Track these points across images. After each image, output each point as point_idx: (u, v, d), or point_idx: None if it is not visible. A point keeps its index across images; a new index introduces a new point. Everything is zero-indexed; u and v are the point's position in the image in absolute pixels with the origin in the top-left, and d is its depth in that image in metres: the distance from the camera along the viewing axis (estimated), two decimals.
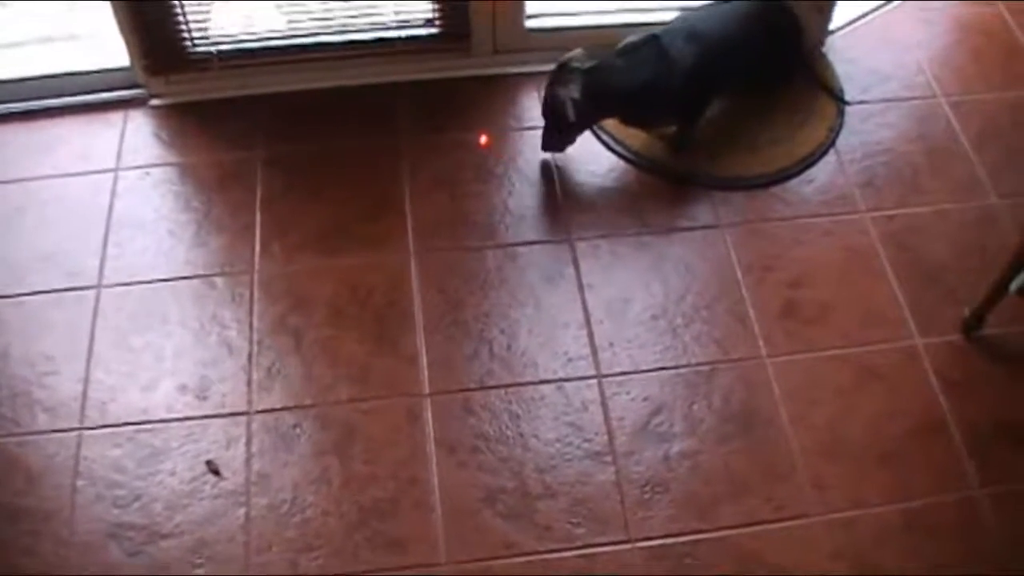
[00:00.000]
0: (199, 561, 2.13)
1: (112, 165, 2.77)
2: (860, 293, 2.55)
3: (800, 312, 2.50)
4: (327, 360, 2.41)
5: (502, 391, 2.37)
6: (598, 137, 2.83)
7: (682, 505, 2.21)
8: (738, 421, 2.33)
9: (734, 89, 2.91)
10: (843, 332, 2.48)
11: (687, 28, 2.75)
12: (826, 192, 2.74)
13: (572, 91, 2.61)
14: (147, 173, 2.76)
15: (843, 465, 2.27)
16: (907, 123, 2.91)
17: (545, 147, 2.74)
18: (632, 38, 2.71)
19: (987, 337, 2.47)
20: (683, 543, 2.16)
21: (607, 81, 2.65)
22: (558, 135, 2.71)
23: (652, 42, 2.69)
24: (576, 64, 2.64)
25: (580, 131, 2.71)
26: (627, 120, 2.79)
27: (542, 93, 2.70)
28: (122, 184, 2.74)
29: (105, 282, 2.54)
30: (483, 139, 2.82)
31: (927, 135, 2.88)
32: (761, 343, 2.45)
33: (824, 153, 2.81)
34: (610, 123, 2.81)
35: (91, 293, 2.52)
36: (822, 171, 2.78)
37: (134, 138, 2.84)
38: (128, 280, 2.54)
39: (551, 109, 2.66)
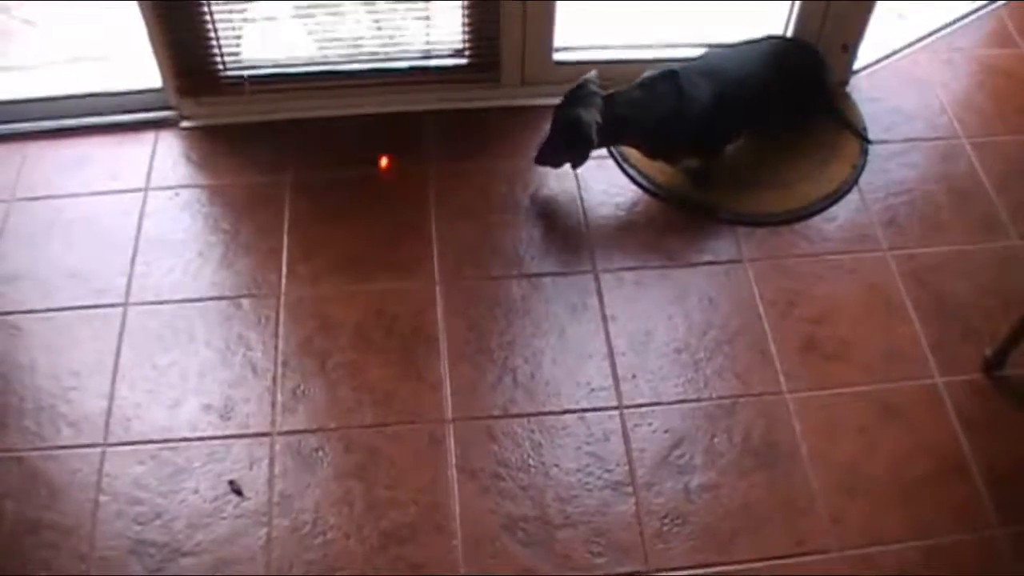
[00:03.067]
0: None
1: (142, 185, 2.80)
2: (881, 331, 2.56)
3: (821, 348, 2.51)
4: (351, 384, 2.43)
5: (525, 419, 2.38)
6: (624, 171, 2.85)
7: (701, 538, 2.21)
8: (759, 455, 2.33)
9: (756, 127, 2.93)
10: (864, 369, 2.48)
11: (707, 66, 2.78)
12: (849, 230, 2.75)
13: (595, 115, 2.63)
14: (176, 194, 2.79)
15: (863, 502, 2.27)
16: (930, 163, 2.93)
17: (540, 161, 2.76)
18: (651, 72, 2.74)
19: (1009, 377, 2.47)
20: (702, 575, 2.19)
21: (623, 111, 2.68)
22: (564, 154, 2.73)
23: (670, 77, 2.72)
24: (594, 87, 2.67)
25: (588, 155, 2.73)
26: (643, 152, 2.82)
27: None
28: (151, 204, 2.76)
29: (132, 300, 2.56)
30: (383, 161, 2.84)
31: (949, 175, 2.90)
32: (782, 378, 2.46)
33: (847, 191, 2.83)
34: (636, 157, 2.84)
35: (118, 311, 2.54)
36: (845, 209, 2.80)
37: (164, 159, 2.87)
38: (155, 299, 2.56)
39: (567, 128, 2.66)
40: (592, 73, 2.69)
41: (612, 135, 2.71)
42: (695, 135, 2.77)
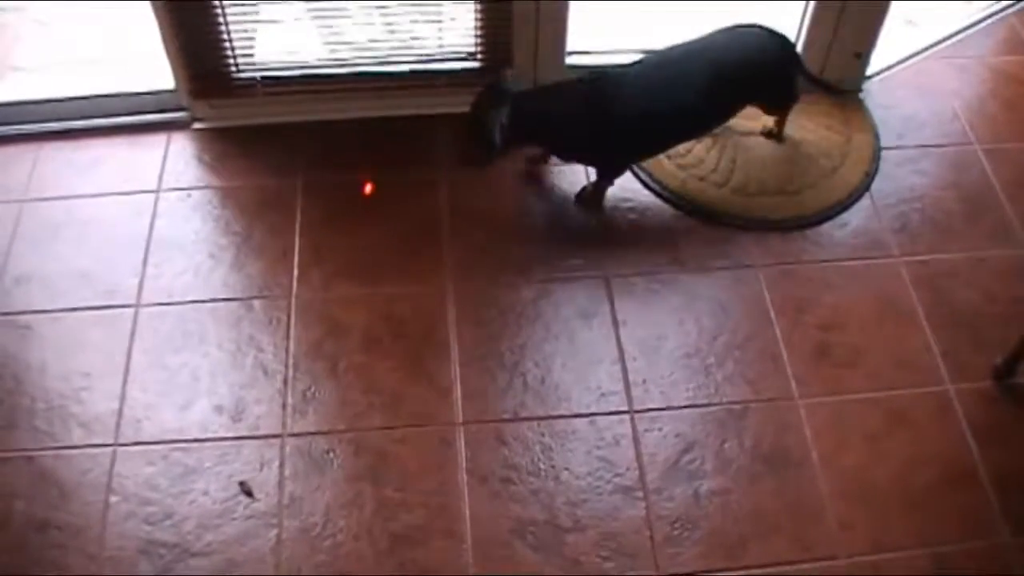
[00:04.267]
0: None
1: (154, 186, 2.81)
2: (892, 337, 2.55)
3: (832, 355, 2.51)
4: (361, 387, 2.43)
5: (535, 423, 2.38)
6: (636, 176, 2.85)
7: (711, 543, 2.21)
8: (769, 461, 2.33)
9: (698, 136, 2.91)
10: (875, 376, 2.48)
11: (646, 77, 2.69)
12: (860, 236, 2.75)
13: (502, 115, 2.58)
14: (188, 195, 2.80)
15: (872, 509, 2.27)
16: (941, 169, 2.93)
17: (468, 162, 2.77)
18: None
19: (1019, 385, 2.47)
20: None
21: (529, 110, 2.63)
22: (484, 151, 2.66)
23: (589, 81, 2.65)
24: (506, 86, 2.65)
25: (503, 153, 2.66)
26: (551, 151, 2.81)
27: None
28: (163, 205, 2.77)
29: (143, 301, 2.57)
30: (367, 187, 2.79)
31: (961, 182, 2.89)
32: (793, 384, 2.45)
33: (859, 197, 2.83)
34: (651, 163, 2.85)
35: (129, 312, 2.55)
36: (856, 215, 2.79)
37: (176, 160, 2.88)
38: (166, 300, 2.57)
39: (475, 129, 2.62)
40: (509, 71, 2.69)
41: (520, 135, 2.64)
42: (601, 147, 2.72)
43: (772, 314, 2.58)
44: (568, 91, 2.67)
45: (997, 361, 2.47)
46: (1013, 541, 2.23)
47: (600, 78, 2.65)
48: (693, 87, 2.65)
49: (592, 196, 2.79)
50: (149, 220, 2.73)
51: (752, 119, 2.92)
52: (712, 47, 2.73)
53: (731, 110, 2.80)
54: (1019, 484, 2.31)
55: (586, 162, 2.80)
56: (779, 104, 2.90)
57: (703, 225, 2.78)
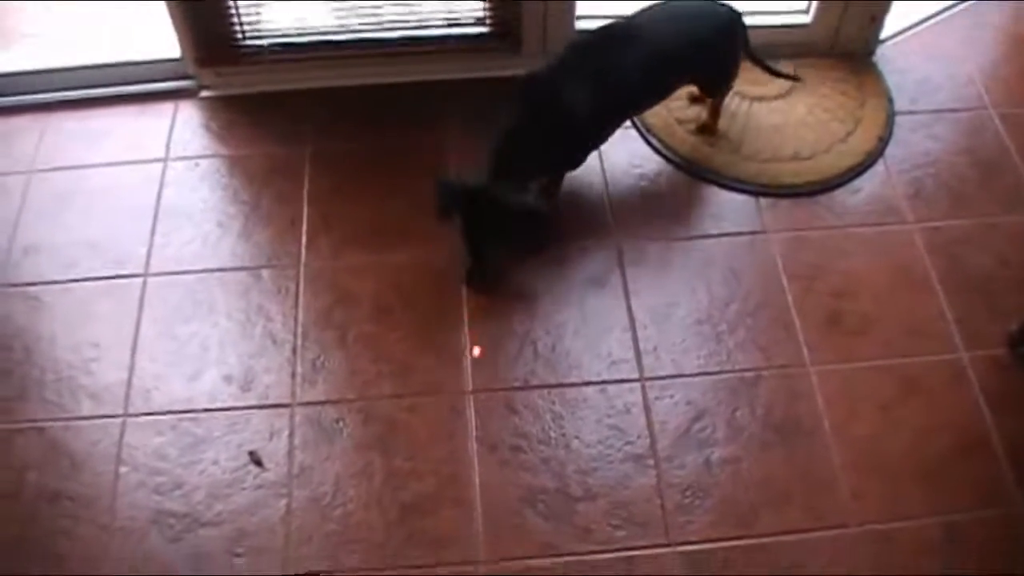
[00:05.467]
0: (239, 551, 2.14)
1: (161, 155, 2.80)
2: (905, 304, 2.53)
3: (845, 322, 2.49)
4: (371, 355, 2.42)
5: (545, 391, 2.37)
6: (647, 141, 2.82)
7: (722, 511, 2.20)
8: (780, 429, 2.32)
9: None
10: (888, 343, 2.46)
11: (579, 62, 2.53)
12: (873, 202, 2.72)
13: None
14: (196, 164, 2.78)
15: (884, 477, 2.26)
16: (956, 134, 2.89)
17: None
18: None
19: None
20: (723, 549, 2.15)
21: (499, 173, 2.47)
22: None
23: (535, 96, 2.51)
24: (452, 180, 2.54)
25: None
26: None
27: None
28: (171, 174, 2.76)
29: (152, 271, 2.56)
30: (476, 351, 2.45)
31: (976, 147, 2.85)
32: (805, 352, 2.43)
33: (872, 163, 2.79)
34: (659, 127, 2.82)
35: (138, 281, 2.54)
36: (869, 181, 2.76)
37: (184, 129, 2.86)
38: (175, 270, 2.56)
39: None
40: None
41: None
42: (564, 160, 2.66)
43: (784, 281, 2.56)
44: (520, 132, 2.49)
45: (1011, 328, 2.45)
46: None
47: (535, 91, 2.51)
48: (633, 69, 2.52)
49: (549, 189, 2.67)
50: (157, 189, 2.72)
51: (762, 84, 2.89)
52: (654, 20, 2.61)
53: (669, 88, 2.72)
54: None
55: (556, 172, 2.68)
56: (712, 87, 2.81)
57: (715, 191, 2.75)
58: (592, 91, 2.48)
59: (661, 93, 2.71)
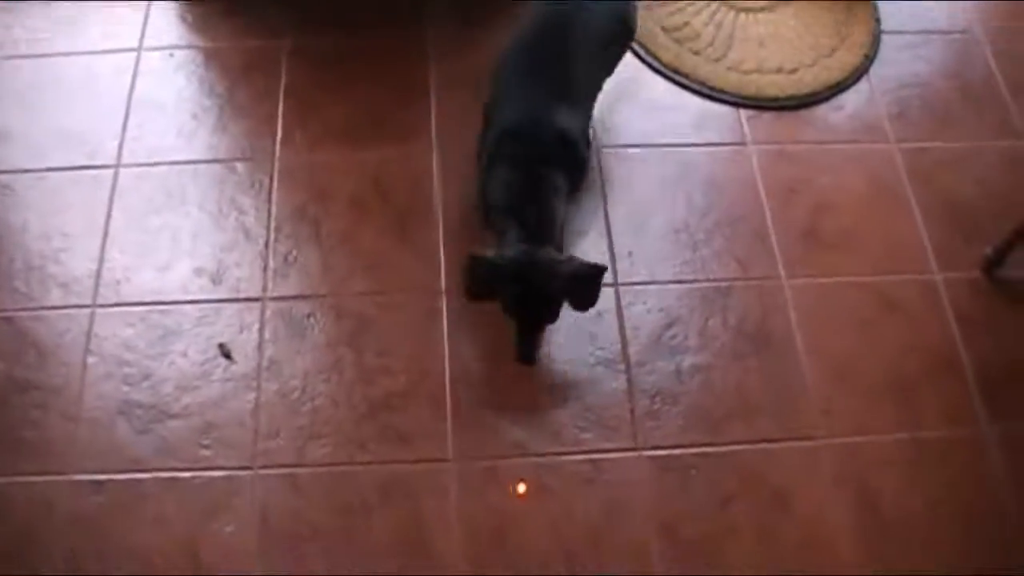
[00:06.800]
0: (206, 442, 2.14)
1: (135, 45, 2.74)
2: (883, 223, 2.53)
3: (822, 237, 2.48)
4: (345, 251, 2.40)
5: None
6: (631, 49, 2.77)
7: (691, 418, 2.21)
8: (752, 340, 2.32)
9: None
10: (864, 261, 2.46)
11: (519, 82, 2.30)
12: (856, 119, 2.70)
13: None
14: (171, 55, 2.73)
15: (854, 392, 2.27)
16: (944, 57, 2.86)
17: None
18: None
19: (1008, 278, 2.45)
20: (690, 455, 2.17)
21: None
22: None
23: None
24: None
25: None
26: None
27: None
28: (144, 64, 2.71)
29: (124, 162, 2.52)
30: (521, 488, 2.17)
31: (963, 72, 2.83)
32: (781, 265, 2.43)
33: (857, 80, 2.77)
34: (642, 33, 2.75)
35: (109, 172, 2.50)
36: (853, 98, 2.74)
37: (159, 19, 2.80)
38: (147, 161, 2.52)
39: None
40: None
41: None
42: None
43: (763, 194, 2.54)
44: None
45: (987, 252, 2.45)
46: (990, 429, 2.24)
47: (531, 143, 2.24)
48: (584, 59, 2.32)
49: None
50: (130, 79, 2.67)
51: None
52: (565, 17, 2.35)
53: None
54: (1002, 375, 2.31)
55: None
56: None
57: (697, 101, 2.72)
58: (566, 100, 2.27)
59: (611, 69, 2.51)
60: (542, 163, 2.21)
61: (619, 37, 2.45)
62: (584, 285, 2.18)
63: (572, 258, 2.18)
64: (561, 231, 2.26)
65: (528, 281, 2.12)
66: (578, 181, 2.34)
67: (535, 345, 2.21)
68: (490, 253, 2.16)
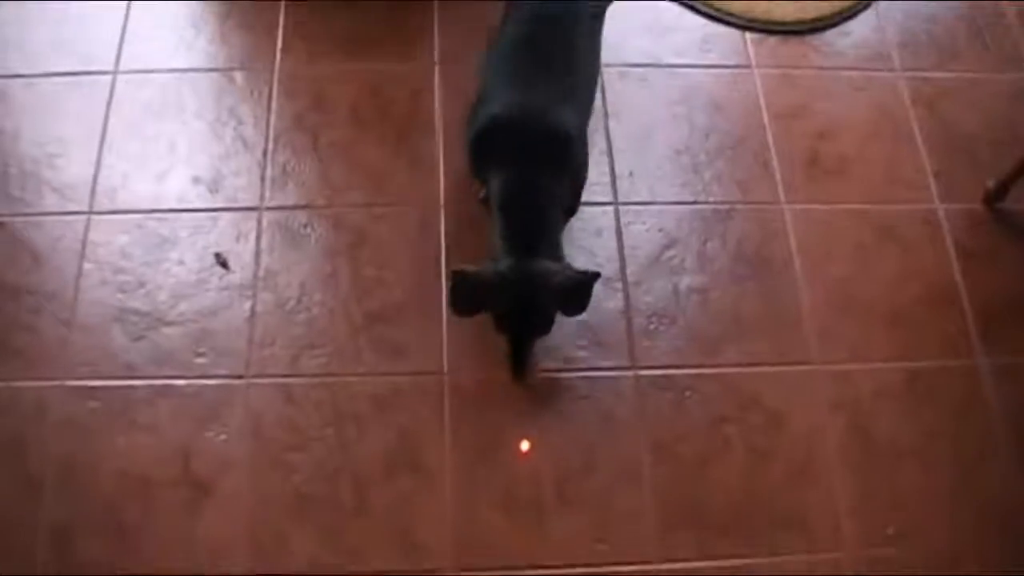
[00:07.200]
0: (201, 350, 2.14)
1: None
2: (886, 152, 2.51)
3: (824, 163, 2.46)
4: (343, 163, 2.38)
5: None
6: None
7: (687, 339, 2.21)
8: (751, 264, 2.31)
9: None
10: (865, 189, 2.45)
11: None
12: (862, 47, 2.67)
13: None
14: None
15: (851, 319, 2.27)
16: None
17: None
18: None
19: (1008, 211, 2.44)
20: (685, 376, 2.17)
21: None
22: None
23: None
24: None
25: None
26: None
27: None
28: None
29: (121, 69, 2.49)
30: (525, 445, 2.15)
31: (973, 3, 2.79)
32: (781, 189, 2.42)
33: (864, 7, 2.73)
34: None
35: (106, 79, 2.47)
36: (860, 25, 2.71)
37: None
38: (145, 68, 2.50)
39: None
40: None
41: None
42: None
43: (766, 118, 2.52)
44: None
45: (989, 184, 2.44)
46: (985, 362, 2.24)
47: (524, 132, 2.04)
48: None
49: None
50: None
51: None
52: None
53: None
54: (999, 308, 2.31)
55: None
56: None
57: (703, 22, 2.68)
58: (567, 97, 2.09)
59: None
60: (535, 167, 2.01)
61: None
62: (577, 295, 2.05)
63: (566, 267, 2.02)
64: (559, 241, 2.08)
65: (519, 296, 1.99)
66: (578, 190, 2.18)
67: (528, 359, 2.09)
68: (474, 268, 1.99)
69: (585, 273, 2.02)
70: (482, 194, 2.17)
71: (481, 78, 2.15)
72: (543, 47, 2.09)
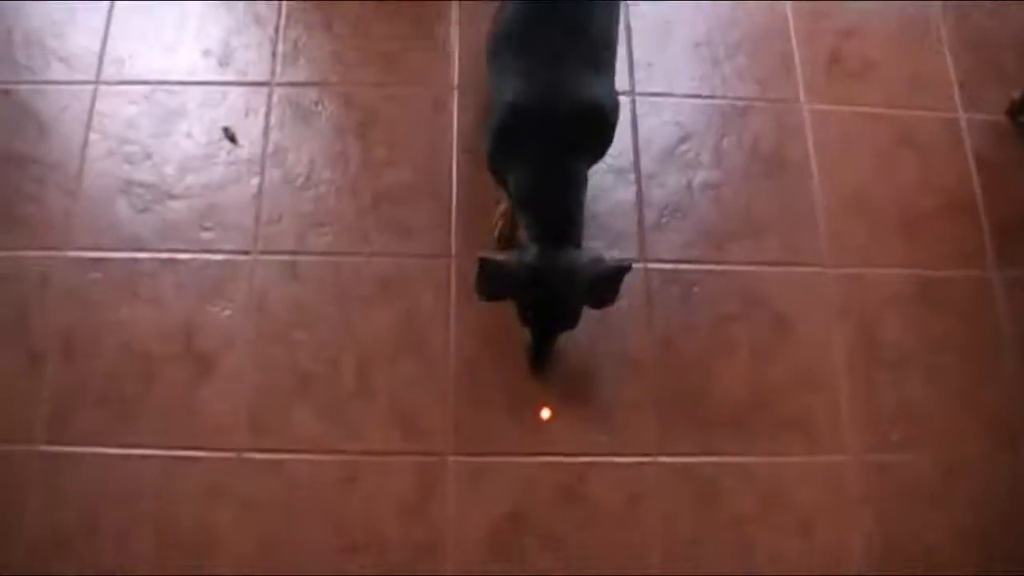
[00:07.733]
0: (208, 224, 2.12)
1: None
2: (910, 56, 2.45)
3: (847, 64, 2.41)
4: (357, 41, 2.33)
5: None
6: None
7: (698, 233, 2.18)
8: (767, 162, 2.27)
9: None
10: (887, 92, 2.39)
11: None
12: None
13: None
14: None
15: (866, 224, 2.23)
16: None
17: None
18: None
19: None
20: (694, 271, 2.15)
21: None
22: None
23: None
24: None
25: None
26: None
27: None
28: None
29: None
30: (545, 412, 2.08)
31: None
32: (802, 89, 2.36)
33: None
34: None
35: None
36: None
37: None
38: None
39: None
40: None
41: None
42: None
43: (790, 13, 2.46)
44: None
45: (1015, 96, 2.38)
46: (998, 274, 2.21)
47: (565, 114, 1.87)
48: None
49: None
50: None
51: None
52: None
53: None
54: (1014, 221, 2.27)
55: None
56: None
57: None
58: (593, 64, 1.92)
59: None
60: (565, 149, 1.88)
61: None
62: (607, 286, 1.93)
63: (596, 259, 1.88)
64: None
65: (546, 288, 1.86)
66: (604, 153, 2.04)
67: (550, 353, 1.98)
68: (502, 256, 1.87)
69: (619, 266, 1.89)
70: (503, 206, 2.06)
71: (492, 65, 1.97)
72: (553, 14, 1.90)
